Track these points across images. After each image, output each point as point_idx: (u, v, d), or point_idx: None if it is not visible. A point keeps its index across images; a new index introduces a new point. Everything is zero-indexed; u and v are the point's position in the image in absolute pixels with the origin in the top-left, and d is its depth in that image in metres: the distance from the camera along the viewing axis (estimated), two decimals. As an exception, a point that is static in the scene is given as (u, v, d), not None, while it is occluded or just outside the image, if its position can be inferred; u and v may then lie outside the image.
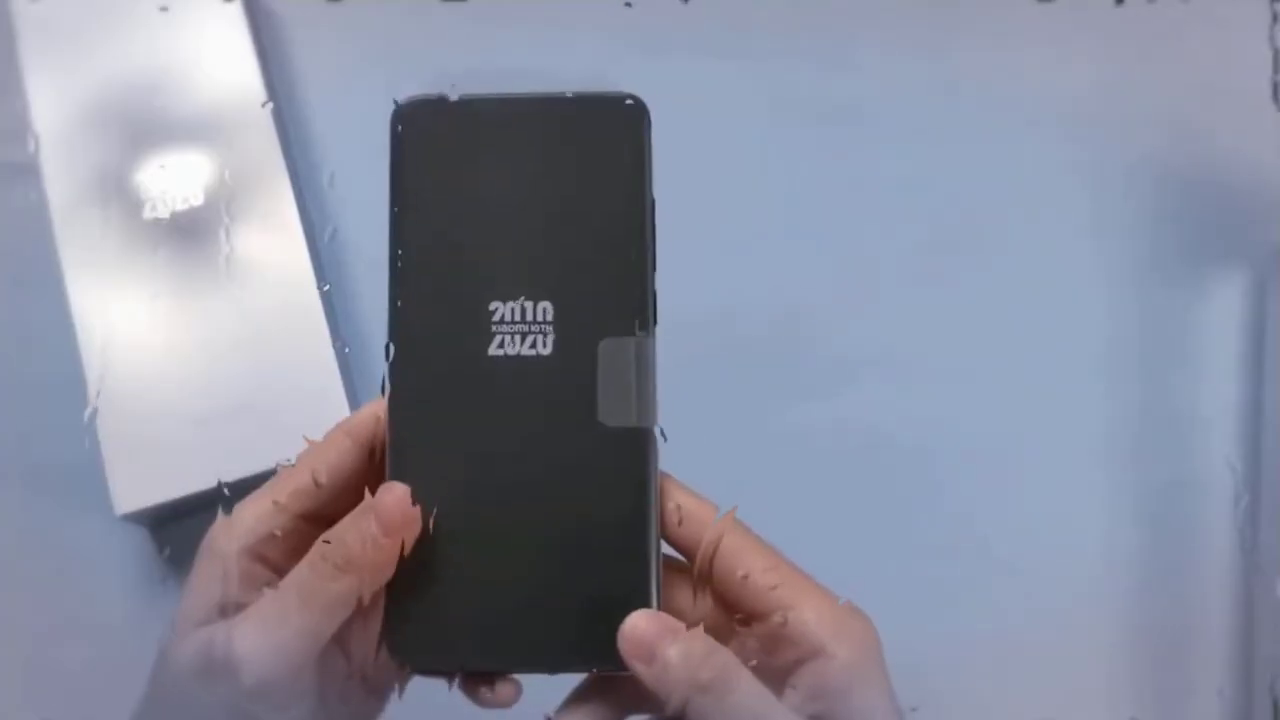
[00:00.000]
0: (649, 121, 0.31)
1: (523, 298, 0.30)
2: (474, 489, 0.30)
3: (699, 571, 0.31)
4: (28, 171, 0.48)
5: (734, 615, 0.31)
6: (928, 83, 0.54)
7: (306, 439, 0.32)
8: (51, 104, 0.49)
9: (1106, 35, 0.55)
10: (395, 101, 0.31)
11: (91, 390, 0.46)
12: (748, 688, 0.29)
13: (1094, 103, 0.54)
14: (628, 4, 0.53)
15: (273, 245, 0.48)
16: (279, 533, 0.30)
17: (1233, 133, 0.54)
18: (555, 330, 0.30)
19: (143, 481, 0.45)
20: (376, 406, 0.31)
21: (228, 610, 0.30)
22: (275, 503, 0.31)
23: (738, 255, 0.51)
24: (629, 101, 0.31)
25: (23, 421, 0.49)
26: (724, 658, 0.29)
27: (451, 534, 0.30)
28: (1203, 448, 0.51)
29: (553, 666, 0.30)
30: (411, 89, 0.54)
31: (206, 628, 0.30)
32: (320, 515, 0.31)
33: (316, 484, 0.31)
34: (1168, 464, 0.51)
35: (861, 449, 0.50)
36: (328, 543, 0.29)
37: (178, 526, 0.48)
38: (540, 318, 0.30)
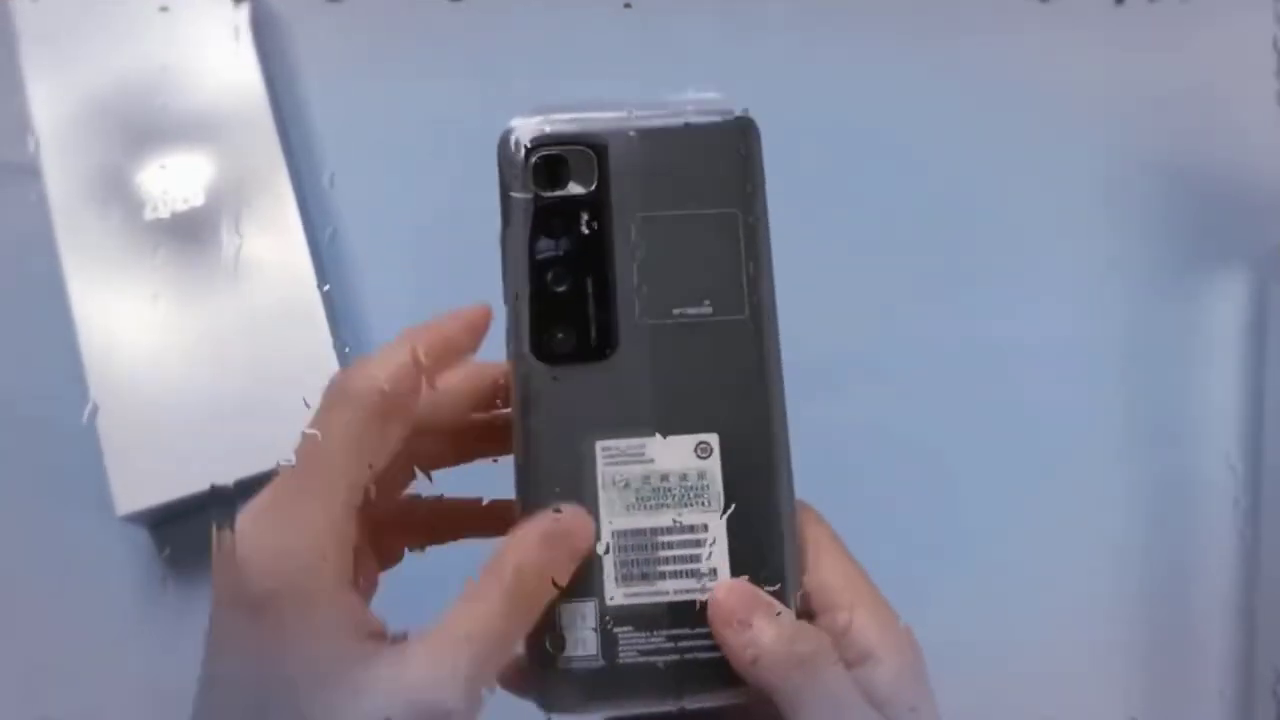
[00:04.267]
0: (758, 135, 0.33)
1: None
2: None
3: None
4: (28, 171, 0.48)
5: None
6: (927, 83, 0.54)
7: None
8: (51, 104, 0.49)
9: (1106, 35, 0.55)
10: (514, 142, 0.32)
11: (92, 390, 0.46)
12: (839, 668, 0.29)
13: (1094, 103, 0.54)
14: (627, 4, 0.53)
15: (273, 245, 0.48)
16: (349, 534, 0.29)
17: (1233, 132, 0.54)
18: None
19: (143, 482, 0.45)
20: (430, 332, 0.31)
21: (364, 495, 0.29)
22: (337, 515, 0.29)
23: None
24: (740, 119, 0.33)
25: (24, 421, 0.49)
26: (819, 634, 0.29)
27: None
28: (1203, 448, 0.51)
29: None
30: (411, 89, 0.54)
31: (388, 674, 0.27)
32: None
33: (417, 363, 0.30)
34: (1167, 464, 0.51)
35: (862, 449, 0.50)
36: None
37: (178, 526, 0.48)
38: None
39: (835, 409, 0.50)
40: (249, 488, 0.45)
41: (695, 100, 0.33)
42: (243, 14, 0.51)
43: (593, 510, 0.30)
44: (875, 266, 0.52)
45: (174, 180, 0.48)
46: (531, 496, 0.30)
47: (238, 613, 0.28)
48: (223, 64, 0.50)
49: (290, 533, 0.28)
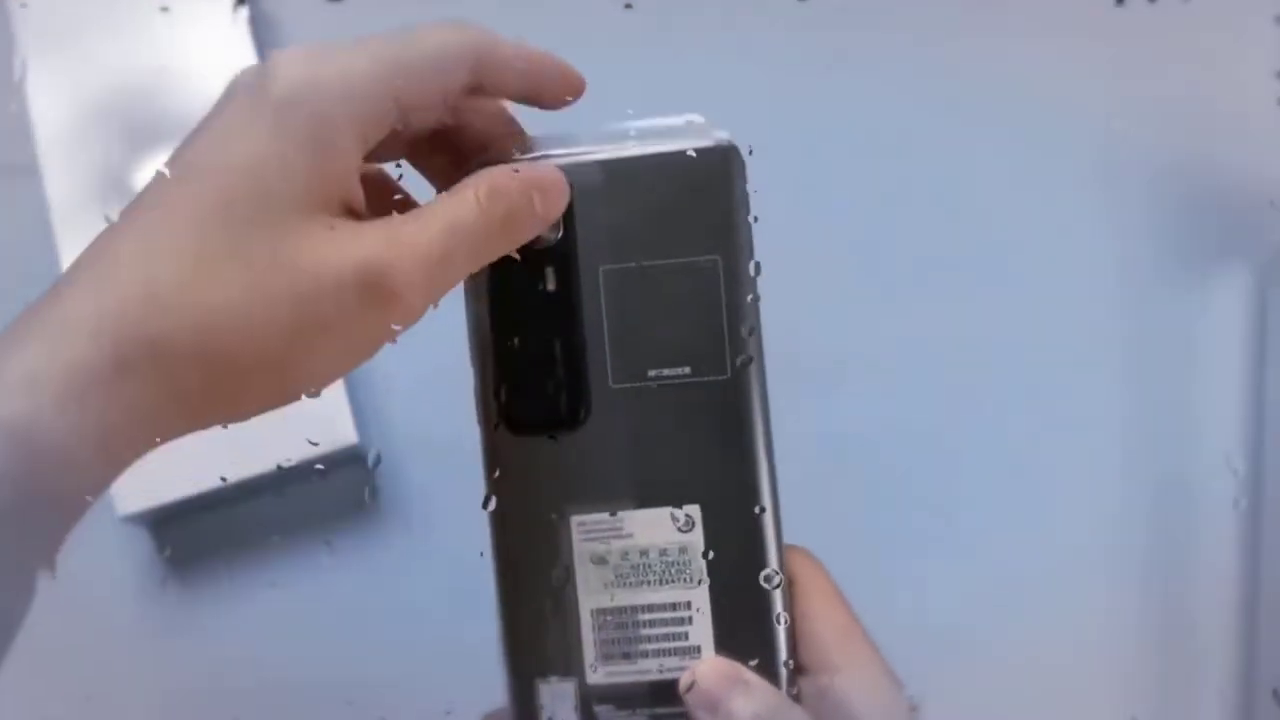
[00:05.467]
0: (742, 165, 0.30)
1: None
2: None
3: None
4: (28, 171, 0.48)
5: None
6: (925, 82, 0.54)
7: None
8: (51, 104, 0.49)
9: (1106, 36, 0.55)
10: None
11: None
12: None
13: (1094, 103, 0.54)
14: (628, 5, 0.53)
15: (273, 245, 0.48)
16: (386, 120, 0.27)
17: (1234, 133, 0.54)
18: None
19: (144, 483, 0.45)
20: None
21: (335, 206, 0.26)
22: (384, 79, 0.28)
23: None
24: (722, 147, 0.30)
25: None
26: (796, 711, 0.28)
27: None
28: (1203, 448, 0.51)
29: None
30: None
31: (363, 244, 0.26)
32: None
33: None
34: (1167, 464, 0.51)
35: (861, 449, 0.50)
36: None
37: (178, 526, 0.48)
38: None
39: (833, 408, 0.50)
40: (249, 488, 0.45)
41: (676, 125, 0.30)
42: (242, 15, 0.51)
43: (571, 588, 0.29)
44: (873, 266, 0.52)
45: (174, 180, 0.48)
46: (508, 575, 0.29)
47: (258, 99, 0.27)
48: (223, 64, 0.50)
49: (336, 72, 0.28)
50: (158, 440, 0.26)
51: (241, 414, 0.27)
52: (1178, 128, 0.54)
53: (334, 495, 0.48)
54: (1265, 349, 0.51)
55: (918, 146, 0.53)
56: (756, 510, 0.29)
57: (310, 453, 0.45)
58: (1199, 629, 0.50)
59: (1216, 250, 0.53)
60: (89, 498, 0.26)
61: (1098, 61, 0.55)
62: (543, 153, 0.30)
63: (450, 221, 0.27)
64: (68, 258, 0.47)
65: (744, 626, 0.29)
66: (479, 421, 0.29)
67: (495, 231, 0.27)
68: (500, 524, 0.29)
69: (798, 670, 0.30)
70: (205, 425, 0.27)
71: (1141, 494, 0.50)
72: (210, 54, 0.50)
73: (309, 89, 0.27)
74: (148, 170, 0.49)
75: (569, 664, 0.29)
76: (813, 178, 0.53)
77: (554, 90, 0.30)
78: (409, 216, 0.27)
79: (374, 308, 0.26)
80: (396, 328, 0.26)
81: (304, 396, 0.28)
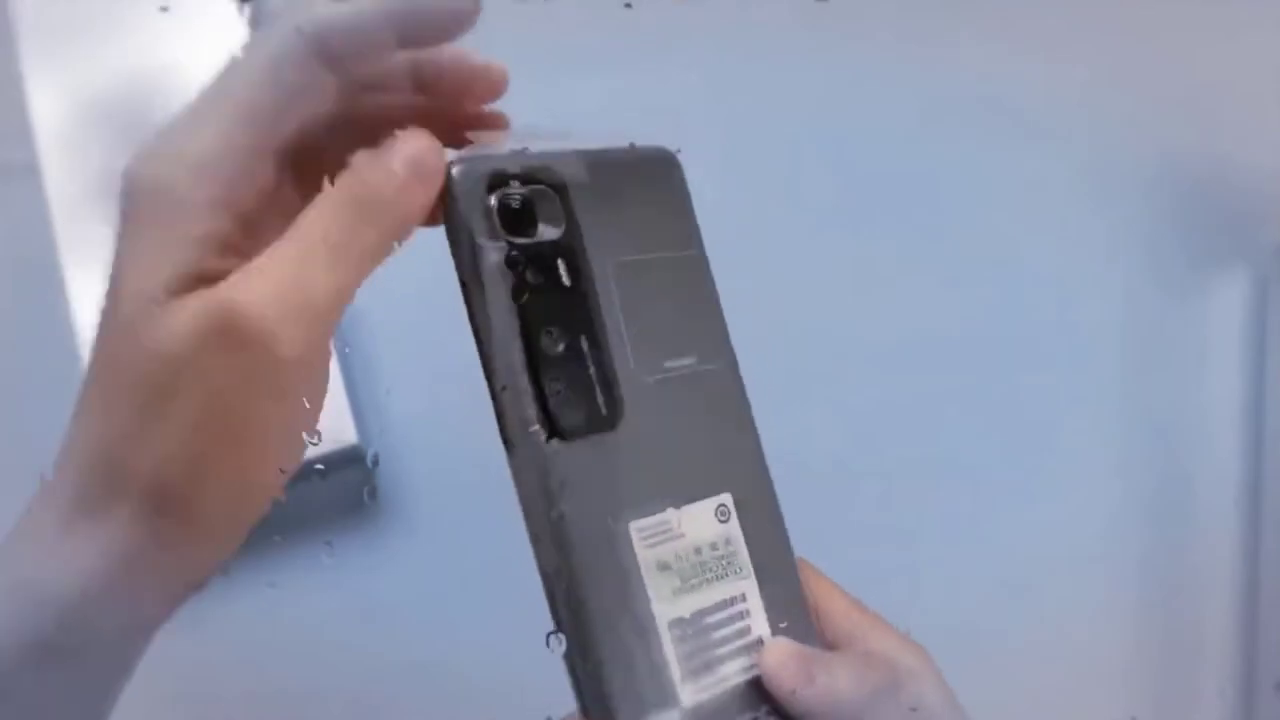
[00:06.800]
0: (681, 172, 0.30)
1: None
2: None
3: None
4: (28, 171, 0.48)
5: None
6: (926, 82, 0.54)
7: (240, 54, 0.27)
8: (51, 104, 0.49)
9: (1108, 35, 0.55)
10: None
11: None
12: (897, 688, 0.29)
13: (1095, 102, 0.54)
14: (628, 5, 0.53)
15: (273, 245, 0.48)
16: (249, 174, 0.25)
17: (1235, 132, 0.54)
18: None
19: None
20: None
21: (208, 276, 0.24)
22: (237, 134, 0.25)
23: (736, 254, 0.51)
24: (665, 155, 0.29)
25: (23, 421, 0.49)
26: (874, 658, 0.29)
27: None
28: (1203, 448, 0.51)
29: None
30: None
31: (202, 294, 0.24)
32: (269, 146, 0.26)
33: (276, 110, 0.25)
34: (1168, 464, 0.51)
35: (862, 449, 0.50)
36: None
37: (178, 527, 0.48)
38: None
39: (835, 410, 0.50)
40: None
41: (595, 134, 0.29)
42: (244, 15, 0.51)
43: (644, 604, 0.26)
44: (875, 266, 0.52)
45: (174, 180, 0.48)
46: (579, 604, 0.26)
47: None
48: (223, 64, 0.50)
49: (177, 133, 0.26)
50: (162, 588, 0.26)
51: (211, 552, 0.27)
52: (1178, 127, 0.54)
53: (334, 495, 0.48)
54: (1265, 349, 0.51)
55: (918, 148, 0.53)
56: (771, 490, 0.29)
57: (310, 453, 0.45)
58: (1199, 627, 0.50)
59: (1216, 250, 0.53)
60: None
61: (1098, 60, 0.55)
62: (520, 147, 0.28)
63: (301, 236, 0.24)
64: (68, 258, 0.47)
65: (786, 607, 0.28)
66: (503, 437, 0.26)
67: (355, 237, 0.24)
68: (559, 543, 0.26)
69: (828, 647, 0.30)
70: (195, 568, 0.27)
71: (1141, 493, 0.50)
72: (210, 54, 0.50)
73: (144, 167, 0.26)
74: (148, 170, 0.49)
75: (664, 694, 0.26)
76: (812, 178, 0.53)
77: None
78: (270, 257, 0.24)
79: (242, 357, 0.23)
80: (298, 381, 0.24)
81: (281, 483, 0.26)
